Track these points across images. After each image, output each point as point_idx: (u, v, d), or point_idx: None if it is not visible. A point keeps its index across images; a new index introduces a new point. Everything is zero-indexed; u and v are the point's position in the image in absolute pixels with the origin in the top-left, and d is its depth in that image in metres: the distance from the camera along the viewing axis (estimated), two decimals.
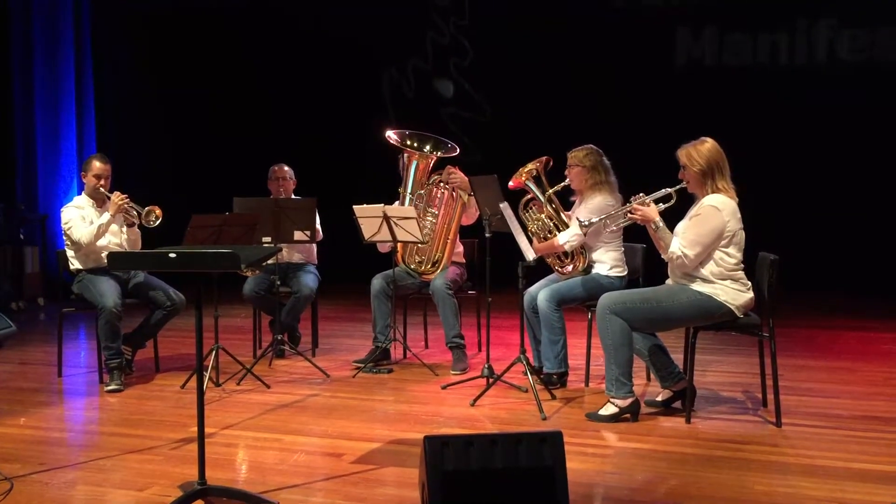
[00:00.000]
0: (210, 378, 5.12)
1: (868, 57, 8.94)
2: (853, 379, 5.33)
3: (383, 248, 5.80)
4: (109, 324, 5.11)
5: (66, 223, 5.30)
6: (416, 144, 5.67)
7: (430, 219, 5.64)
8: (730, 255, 4.22)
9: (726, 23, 9.29)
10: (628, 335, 4.32)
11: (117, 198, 5.24)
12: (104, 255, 5.01)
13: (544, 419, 4.39)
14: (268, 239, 5.41)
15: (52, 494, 3.43)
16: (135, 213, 5.28)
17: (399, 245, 5.61)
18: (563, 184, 5.06)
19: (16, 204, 9.06)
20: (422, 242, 5.48)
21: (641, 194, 4.39)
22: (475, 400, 4.72)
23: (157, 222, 5.21)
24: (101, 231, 5.25)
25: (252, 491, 3.38)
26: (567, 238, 4.95)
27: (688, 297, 4.24)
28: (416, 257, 5.73)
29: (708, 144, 4.28)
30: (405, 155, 5.69)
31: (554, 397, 4.81)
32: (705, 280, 4.24)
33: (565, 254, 5.07)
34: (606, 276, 4.97)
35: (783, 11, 9.14)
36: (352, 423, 4.43)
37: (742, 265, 4.27)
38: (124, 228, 5.41)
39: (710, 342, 6.04)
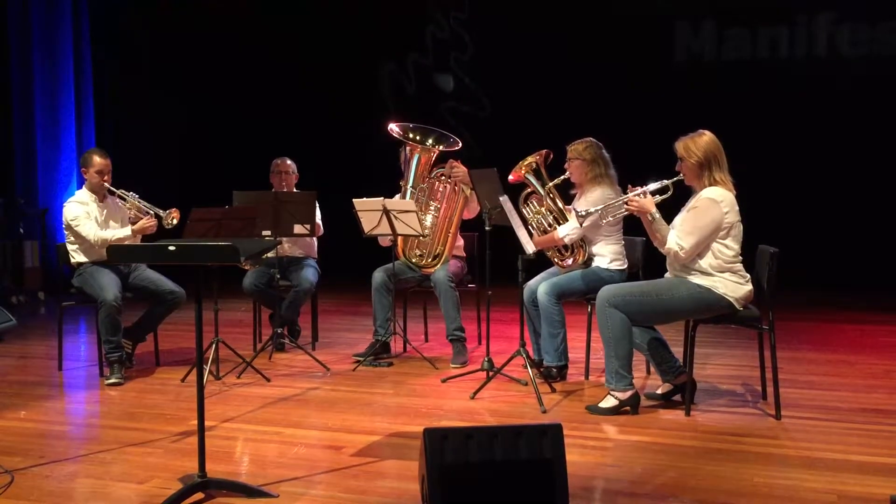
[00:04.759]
0: (210, 371, 5.13)
1: (868, 51, 8.93)
2: (852, 371, 5.34)
3: (384, 242, 5.80)
4: (110, 317, 5.12)
5: (73, 219, 5.28)
6: (418, 138, 5.66)
7: (431, 212, 5.64)
8: (728, 248, 4.22)
9: (725, 17, 9.28)
10: (628, 328, 4.32)
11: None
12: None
13: (544, 412, 4.40)
14: (268, 232, 5.41)
15: (53, 487, 3.44)
16: (152, 213, 5.27)
17: (399, 238, 5.61)
18: (562, 177, 5.06)
19: (15, 198, 9.07)
20: (421, 236, 5.48)
21: (638, 187, 4.39)
22: (475, 393, 4.73)
23: (175, 223, 5.22)
24: (117, 241, 5.23)
25: (252, 484, 3.38)
26: (567, 231, 4.95)
27: (687, 290, 4.25)
28: (417, 251, 5.73)
29: (706, 137, 4.28)
30: (407, 148, 5.68)
31: (554, 390, 4.81)
32: (704, 273, 4.24)
33: (565, 247, 5.07)
34: (606, 269, 4.97)
35: (782, 5, 9.13)
36: (352, 416, 4.43)
37: (740, 257, 4.27)
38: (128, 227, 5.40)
39: (709, 335, 6.04)
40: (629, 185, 4.44)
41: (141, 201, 5.33)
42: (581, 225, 4.77)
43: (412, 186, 5.66)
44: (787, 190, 8.66)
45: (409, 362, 5.65)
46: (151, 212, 5.28)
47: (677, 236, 4.23)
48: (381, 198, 5.39)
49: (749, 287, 4.27)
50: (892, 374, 5.27)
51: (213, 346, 5.17)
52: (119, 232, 5.30)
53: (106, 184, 5.36)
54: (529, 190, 5.15)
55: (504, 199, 4.71)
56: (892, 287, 8.24)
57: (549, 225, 5.08)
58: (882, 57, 8.83)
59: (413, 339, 6.06)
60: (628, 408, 4.37)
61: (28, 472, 3.60)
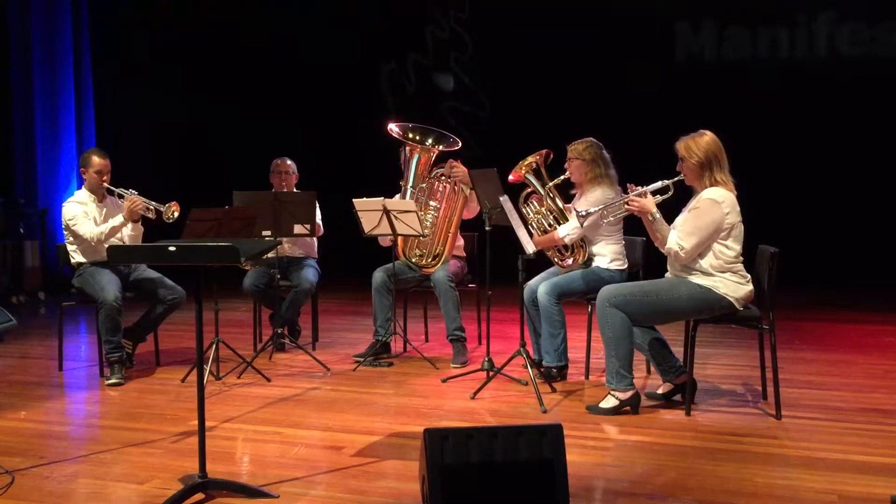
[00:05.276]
0: (210, 371, 5.13)
1: (868, 51, 8.93)
2: (853, 371, 5.33)
3: (384, 242, 5.80)
4: (110, 317, 5.12)
5: (70, 219, 5.28)
6: (418, 138, 5.67)
7: (431, 212, 5.64)
8: (729, 248, 4.22)
9: (725, 17, 9.29)
10: (629, 328, 4.32)
11: (132, 203, 5.19)
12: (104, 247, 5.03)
13: (544, 412, 4.40)
14: (268, 233, 5.40)
15: (53, 488, 3.44)
16: (152, 208, 5.24)
17: (399, 238, 5.61)
18: (562, 177, 5.06)
19: (15, 198, 9.06)
20: (422, 235, 5.48)
21: (639, 187, 4.39)
22: (475, 393, 4.73)
23: (175, 216, 5.19)
24: (113, 232, 5.23)
25: (252, 484, 3.38)
26: (567, 231, 4.95)
27: (687, 290, 4.25)
28: (417, 251, 5.73)
29: (707, 137, 4.28)
30: (407, 148, 5.69)
31: (554, 390, 4.81)
32: (705, 273, 4.24)
33: (565, 247, 5.07)
34: (606, 269, 4.96)
35: (782, 5, 9.13)
36: (352, 416, 4.43)
37: (741, 258, 4.27)
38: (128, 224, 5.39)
39: (710, 335, 6.05)
40: (629, 185, 4.44)
41: (140, 197, 5.31)
42: (581, 225, 4.77)
43: (412, 186, 5.66)
44: (787, 190, 8.67)
45: (410, 362, 5.65)
46: (151, 206, 5.27)
47: (678, 237, 4.23)
48: (381, 198, 5.39)
49: (749, 287, 4.27)
50: (892, 374, 5.27)
51: (214, 346, 5.17)
52: (112, 221, 5.28)
53: (105, 183, 5.35)
54: (529, 190, 5.15)
55: (504, 199, 4.71)
56: (892, 287, 8.24)
57: (550, 225, 5.08)
58: (882, 57, 8.83)
59: (413, 339, 6.06)
60: (629, 408, 4.37)
61: (28, 472, 3.60)
